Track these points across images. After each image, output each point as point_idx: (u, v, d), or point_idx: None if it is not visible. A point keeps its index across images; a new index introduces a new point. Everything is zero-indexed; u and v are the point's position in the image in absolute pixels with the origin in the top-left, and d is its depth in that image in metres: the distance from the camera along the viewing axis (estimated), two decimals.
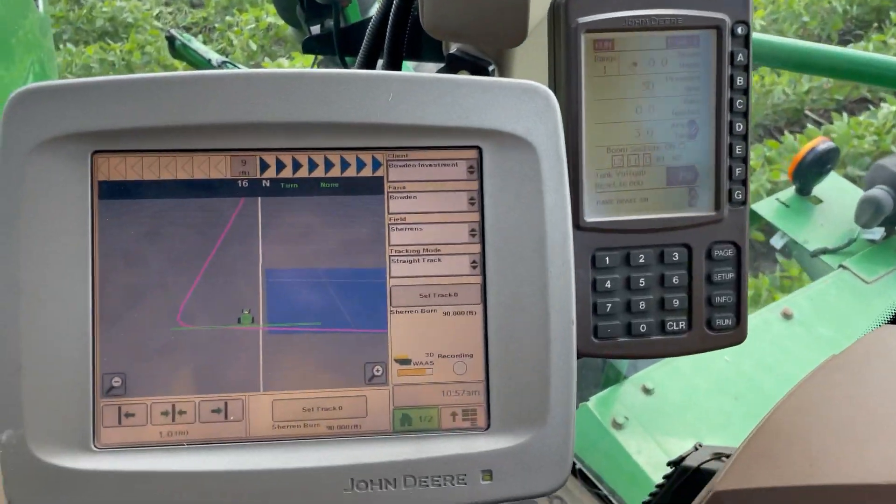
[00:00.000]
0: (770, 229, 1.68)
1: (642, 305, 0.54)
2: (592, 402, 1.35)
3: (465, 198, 0.46)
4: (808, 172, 1.69)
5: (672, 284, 0.55)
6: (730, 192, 0.54)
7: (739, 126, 0.54)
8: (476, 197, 0.45)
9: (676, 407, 1.30)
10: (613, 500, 1.10)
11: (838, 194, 1.60)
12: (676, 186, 0.55)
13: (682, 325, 0.55)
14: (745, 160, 0.55)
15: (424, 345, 0.45)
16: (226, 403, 0.44)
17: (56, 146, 0.42)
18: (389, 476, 0.43)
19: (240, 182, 0.44)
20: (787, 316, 1.47)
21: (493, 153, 0.45)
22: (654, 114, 0.54)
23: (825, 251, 1.56)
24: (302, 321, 0.45)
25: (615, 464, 1.22)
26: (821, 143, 1.63)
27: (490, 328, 0.45)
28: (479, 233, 0.45)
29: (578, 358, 0.51)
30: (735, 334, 0.56)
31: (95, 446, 0.43)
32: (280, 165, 0.45)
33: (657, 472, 1.20)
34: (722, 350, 0.58)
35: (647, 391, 1.31)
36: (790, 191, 1.68)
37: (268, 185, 0.45)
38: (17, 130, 0.42)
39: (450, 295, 0.45)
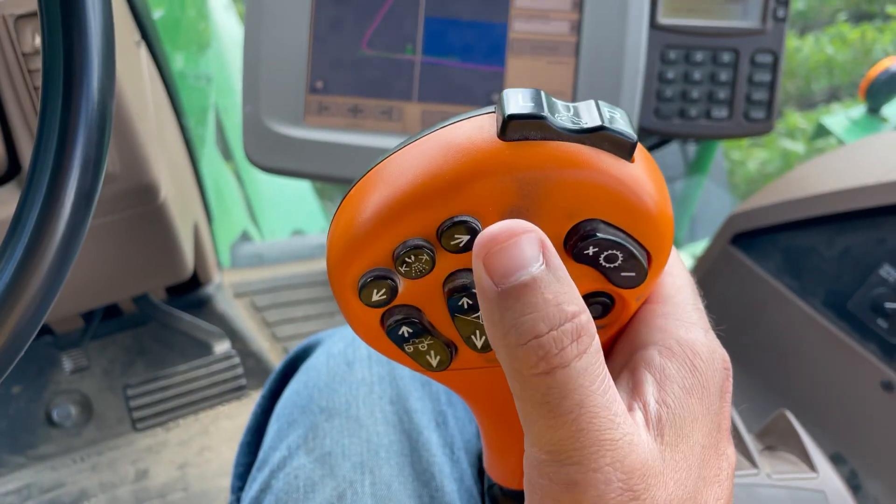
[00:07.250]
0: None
1: (695, 94, 0.71)
2: None
3: None
4: (880, 92, 1.78)
5: (720, 80, 0.71)
6: (774, 10, 0.70)
7: None
8: None
9: None
10: None
11: None
12: (733, 3, 0.70)
13: (725, 113, 0.71)
14: None
15: (530, 83, 0.63)
16: (390, 108, 0.63)
17: None
18: None
19: None
20: None
21: None
22: None
23: None
24: (447, 55, 0.63)
25: None
26: (894, 63, 1.70)
27: (580, 75, 0.63)
28: (579, 5, 0.63)
29: (643, 132, 0.69)
30: (765, 125, 0.72)
31: (305, 124, 0.63)
32: None
33: None
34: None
35: None
36: (860, 109, 1.78)
37: None
38: None
39: (552, 48, 0.63)
